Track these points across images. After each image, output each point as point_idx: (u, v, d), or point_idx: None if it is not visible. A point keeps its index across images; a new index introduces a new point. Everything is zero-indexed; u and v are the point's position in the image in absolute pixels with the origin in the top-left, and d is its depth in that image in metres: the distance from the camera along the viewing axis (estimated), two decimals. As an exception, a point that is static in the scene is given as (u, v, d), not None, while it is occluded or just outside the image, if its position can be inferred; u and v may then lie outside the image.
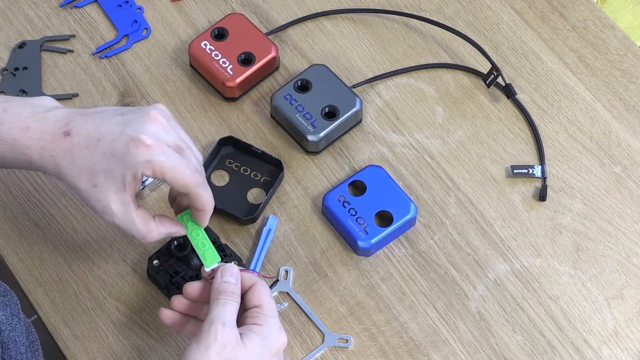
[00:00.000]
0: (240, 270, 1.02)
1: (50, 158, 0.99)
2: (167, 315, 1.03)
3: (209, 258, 1.04)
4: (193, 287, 1.03)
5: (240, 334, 0.98)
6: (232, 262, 1.09)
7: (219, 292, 0.99)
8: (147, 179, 1.16)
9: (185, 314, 1.03)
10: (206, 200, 1.02)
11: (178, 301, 1.03)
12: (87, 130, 0.99)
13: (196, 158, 1.02)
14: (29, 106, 1.01)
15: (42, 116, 1.00)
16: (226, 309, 0.98)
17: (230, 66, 1.23)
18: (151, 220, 1.02)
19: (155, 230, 1.02)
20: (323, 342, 1.12)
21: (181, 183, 0.99)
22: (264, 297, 1.01)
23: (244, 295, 1.02)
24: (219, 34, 1.25)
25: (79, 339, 1.11)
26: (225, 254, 1.13)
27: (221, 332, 0.96)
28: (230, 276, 1.01)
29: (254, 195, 1.19)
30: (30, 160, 1.00)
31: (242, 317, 1.01)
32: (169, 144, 0.99)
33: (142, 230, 1.01)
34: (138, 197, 1.17)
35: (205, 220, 1.05)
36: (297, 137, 1.21)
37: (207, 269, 1.03)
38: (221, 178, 1.20)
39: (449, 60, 1.27)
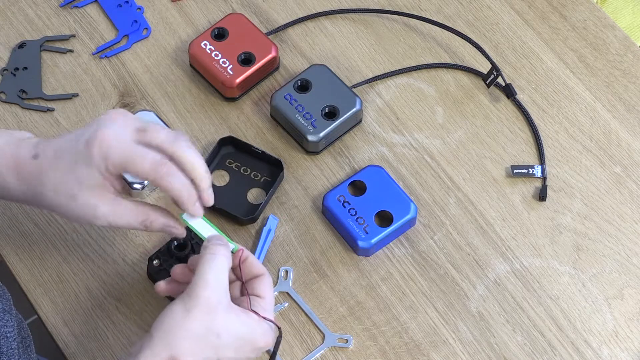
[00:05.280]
0: (251, 257, 1.00)
1: (25, 183, 1.01)
2: (162, 288, 1.02)
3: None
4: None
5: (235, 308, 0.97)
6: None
7: (205, 248, 0.98)
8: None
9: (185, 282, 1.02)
10: (175, 190, 0.99)
11: (180, 271, 1.02)
12: (52, 150, 1.01)
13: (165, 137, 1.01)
14: (6, 135, 1.03)
15: (16, 144, 1.02)
16: (211, 267, 0.96)
17: (230, 66, 1.23)
18: (145, 207, 1.02)
19: (152, 215, 1.01)
20: (323, 342, 1.12)
21: (140, 174, 0.98)
22: (268, 290, 1.00)
23: (247, 283, 1.00)
24: (219, 34, 1.25)
25: (79, 339, 1.11)
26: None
27: (205, 297, 0.95)
28: (218, 239, 0.99)
29: (254, 195, 1.19)
30: (8, 188, 1.02)
31: (240, 299, 1.00)
32: (127, 136, 0.99)
33: (139, 218, 1.01)
34: (138, 198, 1.17)
35: (190, 209, 1.01)
36: (297, 137, 1.21)
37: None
38: (221, 178, 1.20)
39: (449, 60, 1.27)
